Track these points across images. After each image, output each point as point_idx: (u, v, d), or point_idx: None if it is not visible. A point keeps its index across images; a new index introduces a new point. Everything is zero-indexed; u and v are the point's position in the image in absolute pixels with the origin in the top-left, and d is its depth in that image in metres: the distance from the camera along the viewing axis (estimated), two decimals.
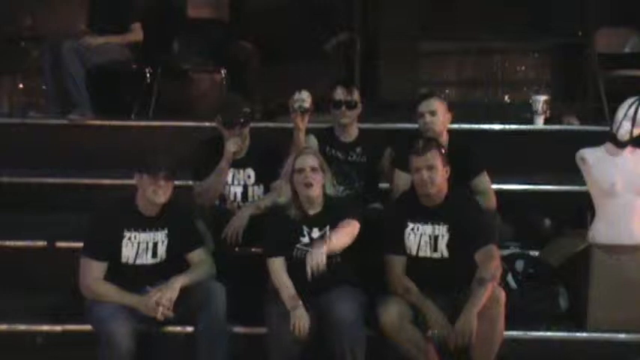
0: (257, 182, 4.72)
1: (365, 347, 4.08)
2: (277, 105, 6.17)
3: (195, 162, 4.71)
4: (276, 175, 4.66)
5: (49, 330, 4.41)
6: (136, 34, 6.24)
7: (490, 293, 4.03)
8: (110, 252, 4.15)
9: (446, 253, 4.26)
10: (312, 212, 4.29)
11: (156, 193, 4.13)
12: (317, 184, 4.25)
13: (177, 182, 4.26)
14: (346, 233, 4.18)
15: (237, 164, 4.69)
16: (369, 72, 6.91)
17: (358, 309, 4.07)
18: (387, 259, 4.27)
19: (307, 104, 4.67)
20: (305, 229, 4.26)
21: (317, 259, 3.98)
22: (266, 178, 4.71)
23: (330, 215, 4.28)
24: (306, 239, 4.24)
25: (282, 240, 4.24)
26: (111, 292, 4.08)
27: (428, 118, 4.70)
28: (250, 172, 4.72)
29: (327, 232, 4.21)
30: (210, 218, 4.54)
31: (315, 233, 4.25)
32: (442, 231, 4.26)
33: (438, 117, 4.69)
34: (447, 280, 4.20)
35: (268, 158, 4.68)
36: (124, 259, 4.18)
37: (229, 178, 4.69)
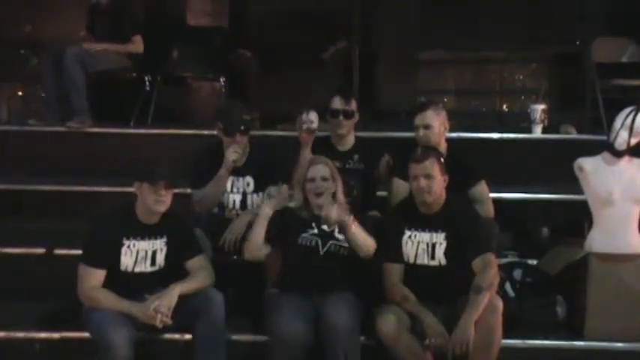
0: (256, 190, 4.73)
1: (359, 354, 4.08)
2: (276, 113, 6.19)
3: (194, 169, 4.72)
4: (275, 183, 4.69)
5: (47, 337, 4.40)
6: (137, 46, 6.25)
7: (487, 302, 4.04)
8: (109, 260, 4.15)
9: (444, 261, 4.26)
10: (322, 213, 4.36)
11: (157, 202, 4.13)
12: (327, 193, 4.34)
13: (176, 190, 4.26)
14: (366, 237, 4.23)
15: (237, 172, 4.70)
16: (368, 80, 6.92)
17: (355, 316, 4.09)
18: (385, 266, 4.27)
19: (314, 125, 4.71)
20: (314, 224, 4.33)
21: (334, 212, 4.10)
22: (265, 186, 4.70)
23: None
24: (315, 230, 4.32)
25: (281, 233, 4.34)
26: (109, 300, 4.09)
27: (421, 132, 4.72)
28: (250, 180, 4.73)
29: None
30: (208, 226, 4.55)
31: (325, 229, 4.31)
32: (440, 239, 4.27)
33: (433, 130, 4.70)
34: (445, 288, 4.21)
35: (268, 167, 4.68)
36: (122, 267, 4.18)
37: (228, 186, 4.70)
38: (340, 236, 4.30)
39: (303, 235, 4.30)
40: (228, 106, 5.12)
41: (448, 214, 4.29)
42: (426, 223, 4.29)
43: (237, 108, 4.82)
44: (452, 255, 4.25)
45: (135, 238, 4.19)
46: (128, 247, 4.18)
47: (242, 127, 4.65)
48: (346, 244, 4.27)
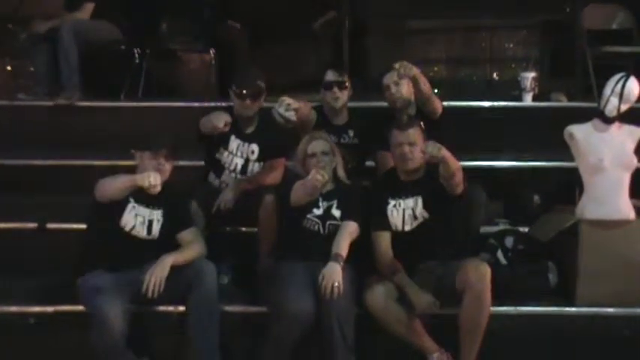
0: (259, 159, 4.77)
1: (353, 322, 4.11)
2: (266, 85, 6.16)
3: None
4: (274, 155, 4.75)
5: (41, 311, 4.41)
6: (83, 13, 6.17)
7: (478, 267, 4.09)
8: (116, 210, 4.21)
9: (426, 215, 4.33)
10: (323, 190, 4.38)
11: (156, 170, 4.15)
12: (328, 167, 4.39)
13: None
14: (349, 239, 4.25)
15: (244, 137, 4.76)
16: (357, 51, 6.89)
17: (348, 285, 4.10)
18: (373, 235, 4.34)
19: (288, 118, 4.52)
20: (320, 200, 4.37)
21: (333, 279, 4.03)
22: (268, 157, 4.76)
23: (339, 193, 4.43)
24: (320, 211, 4.37)
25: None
26: (116, 177, 4.19)
27: (393, 89, 4.75)
28: (255, 147, 4.77)
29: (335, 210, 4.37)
30: (203, 198, 4.56)
31: (325, 205, 4.38)
32: (421, 201, 4.34)
33: (403, 86, 4.73)
34: (434, 241, 4.28)
35: (274, 139, 4.72)
36: (122, 223, 4.24)
37: (234, 148, 4.74)
38: (337, 214, 4.36)
39: (308, 216, 4.35)
40: (244, 70, 5.12)
41: (427, 178, 4.34)
42: (409, 189, 4.36)
43: (252, 74, 4.83)
44: (432, 206, 4.31)
45: (137, 201, 4.25)
46: (133, 207, 4.25)
47: (250, 91, 4.68)
48: (340, 223, 4.33)
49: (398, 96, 4.76)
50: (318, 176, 4.16)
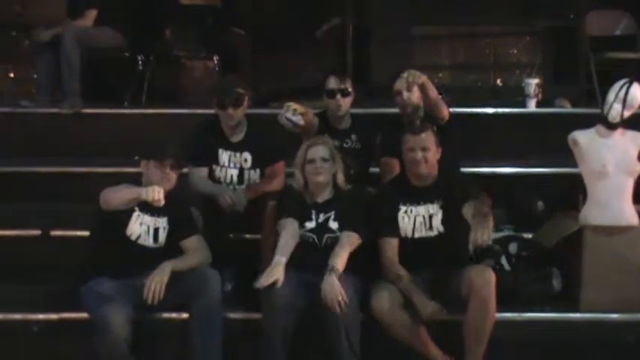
0: (253, 167, 4.74)
1: (359, 329, 4.11)
2: (269, 91, 6.16)
3: (193, 144, 4.73)
4: (272, 160, 4.70)
5: (45, 319, 4.41)
6: (86, 20, 6.18)
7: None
8: (122, 219, 4.20)
9: (442, 229, 4.30)
10: (320, 200, 4.41)
11: (161, 179, 4.15)
12: (327, 173, 4.39)
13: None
14: (348, 249, 4.23)
15: (235, 147, 4.73)
16: (361, 57, 6.90)
17: (353, 292, 4.11)
18: (380, 242, 4.30)
19: (296, 123, 4.63)
20: (313, 213, 4.35)
21: (336, 293, 4.04)
22: (263, 163, 4.74)
23: (337, 203, 4.40)
24: (312, 224, 4.34)
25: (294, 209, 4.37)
26: (121, 189, 4.16)
27: (405, 95, 4.74)
28: (247, 155, 4.74)
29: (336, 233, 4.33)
30: (202, 205, 4.55)
31: (320, 218, 4.35)
32: (435, 209, 4.31)
33: (414, 92, 4.73)
34: (447, 254, 4.26)
35: (266, 144, 4.71)
36: (128, 232, 4.23)
37: (225, 161, 4.72)
38: (334, 226, 4.34)
39: (301, 231, 4.33)
40: (223, 80, 5.12)
41: (440, 184, 4.33)
42: (420, 196, 4.33)
43: (231, 82, 4.83)
44: (449, 221, 4.29)
45: (141, 210, 4.24)
46: (138, 215, 4.24)
47: (233, 100, 4.66)
48: (339, 234, 4.32)
49: (409, 102, 4.75)
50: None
